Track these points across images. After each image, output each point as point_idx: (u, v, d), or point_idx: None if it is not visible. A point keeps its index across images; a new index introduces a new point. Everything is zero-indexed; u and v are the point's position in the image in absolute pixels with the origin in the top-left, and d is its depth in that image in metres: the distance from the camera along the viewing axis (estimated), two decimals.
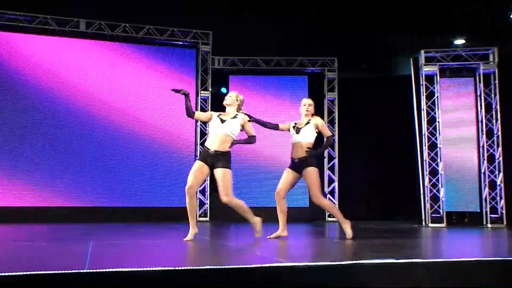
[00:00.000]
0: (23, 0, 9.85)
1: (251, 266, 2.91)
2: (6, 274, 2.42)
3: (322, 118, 11.22)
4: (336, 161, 11.15)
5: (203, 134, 10.85)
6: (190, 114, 5.44)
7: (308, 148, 5.58)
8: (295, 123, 5.78)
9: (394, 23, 10.86)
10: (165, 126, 10.60)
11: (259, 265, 2.91)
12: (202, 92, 10.91)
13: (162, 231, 7.37)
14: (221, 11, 10.89)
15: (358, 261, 3.10)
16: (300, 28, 11.29)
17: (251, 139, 5.53)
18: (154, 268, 2.56)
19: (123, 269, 2.53)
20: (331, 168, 11.16)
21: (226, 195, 5.21)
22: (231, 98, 5.59)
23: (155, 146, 10.48)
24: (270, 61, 11.32)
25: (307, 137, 5.63)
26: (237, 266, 2.86)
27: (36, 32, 10.07)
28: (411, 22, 10.73)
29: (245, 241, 5.68)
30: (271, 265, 2.94)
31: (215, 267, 2.76)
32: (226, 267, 2.81)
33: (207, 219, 10.60)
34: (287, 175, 5.69)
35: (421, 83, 10.02)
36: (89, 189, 9.97)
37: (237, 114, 5.46)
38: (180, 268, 2.66)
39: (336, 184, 11.10)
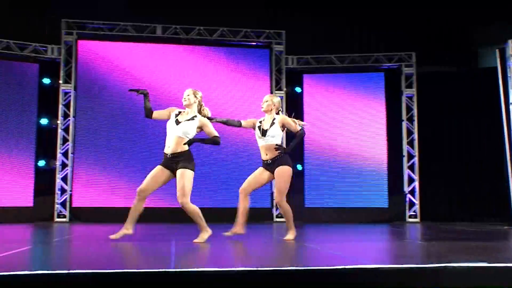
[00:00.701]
0: (105, 10, 10.29)
1: (334, 267, 2.81)
2: (103, 271, 2.49)
3: (400, 115, 10.87)
4: (416, 159, 10.74)
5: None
6: (148, 114, 5.22)
7: (277, 145, 5.30)
8: (260, 122, 5.47)
9: (477, 12, 10.30)
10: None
11: (342, 267, 2.81)
12: (276, 92, 10.87)
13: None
14: (293, 10, 10.83)
15: (447, 264, 2.92)
16: (375, 23, 11.00)
17: (212, 140, 5.17)
18: (240, 269, 2.53)
19: (209, 269, 2.53)
20: (411, 167, 10.76)
21: (182, 196, 4.92)
22: (188, 97, 5.22)
23: (231, 146, 10.57)
24: (344, 59, 11.09)
25: (274, 139, 5.34)
26: (322, 268, 2.77)
27: (117, 39, 10.50)
28: (495, 11, 10.14)
29: (324, 242, 5.56)
30: (355, 266, 2.84)
31: (302, 268, 2.69)
32: (313, 268, 2.73)
33: (285, 219, 10.53)
34: (259, 174, 5.44)
35: (508, 75, 9.43)
36: (169, 189, 10.21)
37: (195, 116, 5.16)
38: (266, 268, 2.62)
39: (416, 183, 10.68)
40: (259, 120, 5.47)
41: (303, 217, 10.61)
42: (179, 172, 4.96)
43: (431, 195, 10.70)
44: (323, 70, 11.14)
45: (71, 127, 10.16)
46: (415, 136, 10.77)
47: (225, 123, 5.45)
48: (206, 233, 5.06)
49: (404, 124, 10.83)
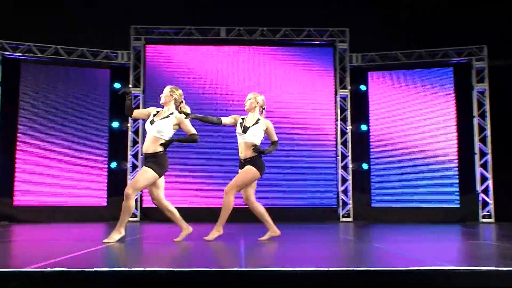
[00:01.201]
0: (171, 14, 10.59)
1: (404, 268, 2.76)
2: (178, 269, 2.57)
3: (471, 111, 10.45)
4: (489, 157, 10.29)
5: (343, 133, 10.70)
6: (128, 113, 5.14)
7: (254, 145, 5.11)
8: (243, 119, 5.26)
9: None
10: (307, 125, 10.62)
11: (413, 268, 2.75)
12: (340, 90, 10.77)
13: (304, 231, 7.38)
14: (357, 7, 10.66)
15: None
16: (442, 16, 10.63)
17: (190, 138, 5.09)
18: (308, 268, 2.53)
19: (279, 269, 2.55)
20: (484, 165, 10.32)
21: (129, 188, 4.80)
22: (165, 95, 5.13)
23: (300, 145, 10.55)
24: (411, 55, 10.80)
25: (254, 138, 5.15)
26: (392, 268, 2.72)
27: (182, 43, 10.78)
28: None
29: (393, 243, 5.44)
30: (426, 268, 2.77)
31: (372, 269, 2.66)
32: (384, 269, 2.69)
33: (351, 219, 10.43)
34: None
35: None
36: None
37: (171, 113, 5.04)
38: (335, 269, 2.61)
39: (490, 182, 10.23)
40: (242, 117, 5.30)
41: (369, 216, 10.46)
42: (142, 168, 4.95)
43: (506, 194, 10.21)
44: (389, 67, 10.91)
45: (140, 130, 10.51)
46: (488, 132, 10.33)
47: (202, 119, 5.23)
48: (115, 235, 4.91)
49: (476, 121, 10.41)
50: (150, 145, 4.93)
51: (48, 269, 2.61)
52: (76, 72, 10.58)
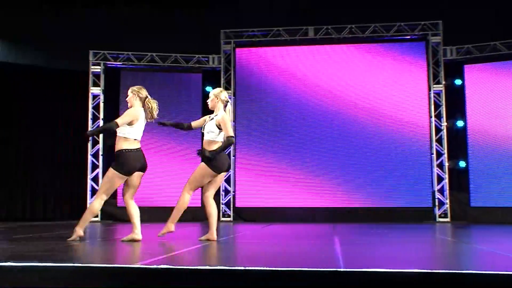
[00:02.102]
0: (259, 16, 10.76)
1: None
2: (282, 269, 2.62)
3: None
4: None
5: (438, 130, 10.29)
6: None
7: (198, 150, 5.10)
8: (209, 117, 5.33)
9: None
10: (400, 123, 10.34)
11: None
12: (434, 86, 10.36)
13: (399, 231, 7.19)
14: None
15: None
16: None
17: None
18: (408, 270, 2.48)
19: (378, 270, 2.52)
20: None
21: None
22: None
23: (392, 143, 10.30)
24: (511, 44, 10.13)
25: (208, 135, 5.11)
26: (502, 272, 2.60)
27: (271, 44, 10.91)
28: None
29: (499, 244, 5.15)
30: None
31: (481, 272, 2.55)
32: (493, 272, 2.58)
33: (448, 219, 10.00)
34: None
35: None
36: (330, 189, 10.32)
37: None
38: (439, 271, 2.53)
39: None
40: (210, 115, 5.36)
41: (468, 217, 9.98)
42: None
43: None
44: (487, 59, 10.31)
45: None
46: None
47: (173, 125, 5.54)
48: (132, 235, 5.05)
49: None
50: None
51: (154, 266, 2.76)
52: (170, 77, 11.06)
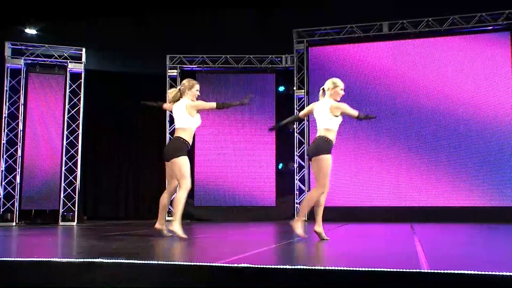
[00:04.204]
0: (330, 15, 10.64)
1: None
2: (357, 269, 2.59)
3: None
4: None
5: None
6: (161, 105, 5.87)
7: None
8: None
9: None
10: (482, 117, 9.85)
11: None
12: None
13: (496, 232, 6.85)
14: None
15: None
16: None
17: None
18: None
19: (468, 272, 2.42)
20: None
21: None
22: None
23: (479, 137, 9.83)
24: None
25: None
26: None
27: (344, 42, 10.76)
28: None
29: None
30: None
31: None
32: None
33: None
34: None
35: None
36: (413, 187, 10.05)
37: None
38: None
39: None
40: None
41: None
42: None
43: None
44: None
45: (306, 130, 10.73)
46: None
47: (284, 126, 5.96)
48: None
49: None
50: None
51: (235, 264, 2.81)
52: (245, 78, 11.21)
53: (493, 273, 2.42)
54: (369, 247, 4.54)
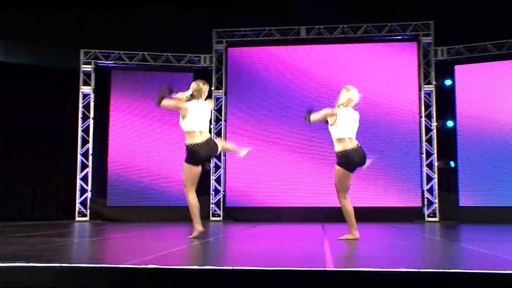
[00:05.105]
0: (251, 17, 10.76)
1: (497, 272, 2.63)
2: (260, 268, 2.62)
3: None
4: None
5: (428, 130, 10.33)
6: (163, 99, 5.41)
7: None
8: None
9: None
10: (390, 122, 10.35)
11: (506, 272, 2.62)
12: (425, 86, 10.42)
13: (388, 231, 7.21)
14: None
15: None
16: None
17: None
18: (394, 270, 2.49)
19: (365, 269, 2.53)
20: None
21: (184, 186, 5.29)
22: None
23: (382, 143, 10.30)
24: (502, 45, 10.21)
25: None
26: (484, 271, 2.61)
27: (263, 44, 10.91)
28: None
29: (483, 243, 5.18)
30: None
31: (462, 271, 2.57)
32: (475, 271, 2.60)
33: (437, 219, 10.05)
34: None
35: None
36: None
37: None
38: (424, 270, 2.55)
39: None
40: None
41: (458, 216, 10.03)
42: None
43: None
44: (478, 59, 10.37)
45: (223, 131, 10.75)
46: None
47: None
48: (196, 231, 5.22)
49: None
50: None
51: (142, 266, 2.76)
52: (162, 76, 11.02)
53: (386, 270, 2.55)
54: (277, 246, 4.63)
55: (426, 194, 10.13)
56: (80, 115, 10.66)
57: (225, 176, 10.69)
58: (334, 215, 9.93)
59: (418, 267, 2.76)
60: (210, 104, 5.50)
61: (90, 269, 2.83)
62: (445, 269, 2.64)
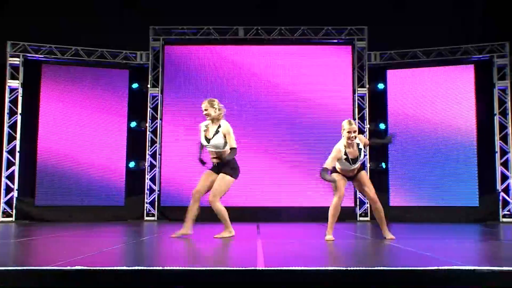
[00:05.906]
0: (189, 14, 10.66)
1: (424, 268, 2.73)
2: (192, 268, 2.58)
3: (492, 109, 10.28)
4: (510, 155, 10.13)
5: (361, 132, 10.63)
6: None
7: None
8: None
9: None
10: (324, 125, 10.56)
11: (432, 268, 2.73)
12: (359, 89, 10.71)
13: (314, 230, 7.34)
14: (375, 4, 10.58)
15: None
16: (461, 13, 10.49)
17: (232, 153, 5.60)
18: (327, 268, 2.53)
19: (297, 268, 2.55)
20: (504, 164, 10.16)
21: (213, 196, 5.45)
22: (207, 111, 5.74)
23: (315, 145, 10.46)
24: (430, 52, 10.68)
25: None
26: (411, 268, 2.70)
27: (201, 43, 10.82)
28: None
29: (410, 241, 5.39)
30: (447, 268, 2.74)
31: (388, 268, 2.64)
32: (402, 268, 2.68)
33: (368, 218, 10.35)
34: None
35: None
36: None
37: (219, 127, 5.61)
38: (353, 268, 2.60)
39: (510, 181, 10.08)
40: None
41: (388, 216, 10.34)
42: (221, 175, 5.52)
43: None
44: (408, 65, 10.79)
45: (158, 129, 10.59)
46: (509, 130, 10.16)
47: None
48: (227, 232, 5.51)
49: (497, 118, 10.24)
50: (219, 157, 5.57)
51: (68, 267, 2.65)
52: (96, 72, 10.69)
53: (315, 268, 2.59)
54: (210, 246, 4.60)
55: (358, 194, 10.39)
56: (6, 110, 10.14)
57: (160, 176, 10.52)
58: (270, 215, 10.06)
59: (348, 265, 2.81)
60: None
61: (14, 271, 2.69)
62: (372, 266, 2.71)
